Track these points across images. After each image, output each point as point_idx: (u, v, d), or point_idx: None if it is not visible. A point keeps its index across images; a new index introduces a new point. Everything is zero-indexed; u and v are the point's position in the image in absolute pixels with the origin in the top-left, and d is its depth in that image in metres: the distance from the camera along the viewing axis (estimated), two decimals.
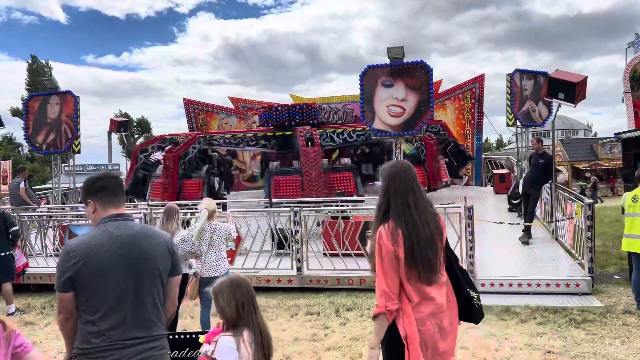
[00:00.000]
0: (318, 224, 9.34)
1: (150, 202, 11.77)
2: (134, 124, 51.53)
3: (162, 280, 2.53)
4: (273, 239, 8.99)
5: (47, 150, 12.86)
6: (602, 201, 24.33)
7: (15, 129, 56.28)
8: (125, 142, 47.58)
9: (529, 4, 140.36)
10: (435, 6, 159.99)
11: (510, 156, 18.90)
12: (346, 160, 14.07)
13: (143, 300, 2.43)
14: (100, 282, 2.36)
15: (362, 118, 10.79)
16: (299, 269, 8.02)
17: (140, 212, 9.14)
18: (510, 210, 12.82)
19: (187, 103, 21.12)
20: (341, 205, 9.89)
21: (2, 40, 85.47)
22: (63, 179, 14.20)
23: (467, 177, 16.58)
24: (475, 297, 2.83)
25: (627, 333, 5.47)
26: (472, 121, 18.49)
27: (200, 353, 2.62)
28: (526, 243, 9.44)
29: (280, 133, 13.82)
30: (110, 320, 2.36)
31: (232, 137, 14.12)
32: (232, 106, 21.41)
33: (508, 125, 14.22)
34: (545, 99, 11.22)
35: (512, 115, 13.54)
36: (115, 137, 26.04)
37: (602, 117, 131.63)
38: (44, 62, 51.70)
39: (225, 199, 13.55)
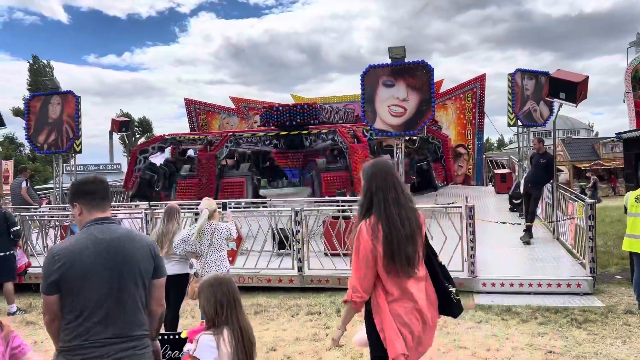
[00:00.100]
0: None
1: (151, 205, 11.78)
2: (136, 123, 51.58)
3: (145, 282, 2.59)
4: (274, 239, 8.99)
5: (49, 150, 12.87)
6: (600, 201, 24.29)
7: (17, 129, 56.22)
8: (127, 141, 47.63)
9: (530, 4, 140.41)
10: (437, 6, 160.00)
11: (511, 156, 18.90)
12: (244, 166, 14.49)
13: (125, 302, 2.50)
14: (84, 285, 2.43)
15: (364, 118, 10.79)
16: (300, 269, 8.02)
17: (142, 212, 9.15)
18: (511, 210, 12.81)
19: (189, 103, 21.14)
20: (342, 205, 9.89)
21: (4, 40, 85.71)
22: (64, 178, 14.23)
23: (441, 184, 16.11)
24: (454, 291, 2.94)
25: (628, 333, 5.47)
26: (473, 121, 18.48)
27: (183, 352, 2.66)
28: (527, 243, 9.44)
29: (295, 132, 13.81)
30: (94, 319, 2.43)
31: (252, 135, 14.13)
32: (233, 106, 21.42)
33: (509, 125, 14.20)
34: (547, 98, 11.21)
35: (514, 115, 13.53)
36: (116, 137, 26.19)
37: (603, 116, 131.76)
38: (45, 62, 51.83)
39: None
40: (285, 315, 6.70)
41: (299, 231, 8.03)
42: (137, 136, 51.97)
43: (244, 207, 10.73)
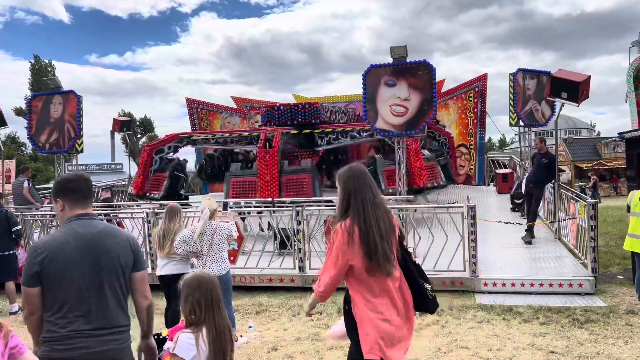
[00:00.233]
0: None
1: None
2: (137, 123, 51.62)
3: (125, 275, 2.69)
4: (275, 239, 8.99)
5: (50, 149, 12.87)
6: (600, 201, 24.26)
7: (19, 129, 56.50)
8: (128, 141, 47.69)
9: (532, 3, 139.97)
10: (438, 5, 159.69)
11: (513, 156, 18.88)
12: (306, 162, 14.16)
13: (106, 294, 2.59)
14: (66, 278, 2.52)
15: (365, 117, 10.78)
16: (301, 269, 8.02)
17: (143, 212, 9.15)
18: (513, 209, 12.79)
19: (190, 103, 21.13)
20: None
21: (6, 39, 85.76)
22: None
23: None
24: (429, 288, 3.08)
25: (630, 333, 5.46)
26: (475, 121, 18.45)
27: (163, 350, 2.70)
28: (529, 243, 9.43)
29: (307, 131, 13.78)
30: (76, 311, 2.52)
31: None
32: (234, 106, 21.42)
33: (511, 124, 14.18)
34: (549, 98, 11.18)
35: (515, 114, 13.50)
36: (118, 136, 26.16)
37: (605, 116, 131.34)
38: (47, 61, 51.91)
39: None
40: (286, 315, 6.70)
41: (300, 231, 8.03)
42: (139, 136, 52.01)
43: (255, 207, 10.53)
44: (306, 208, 8.39)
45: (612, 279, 7.97)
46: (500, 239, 9.79)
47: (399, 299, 2.94)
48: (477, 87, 18.38)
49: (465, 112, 18.60)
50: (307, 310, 3.26)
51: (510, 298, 6.93)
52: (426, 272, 7.29)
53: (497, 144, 74.22)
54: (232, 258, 7.89)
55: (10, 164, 24.07)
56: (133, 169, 18.47)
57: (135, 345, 2.86)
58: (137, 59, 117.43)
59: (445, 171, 14.41)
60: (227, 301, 5.68)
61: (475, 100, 18.30)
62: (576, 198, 8.57)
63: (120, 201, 16.34)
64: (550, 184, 10.25)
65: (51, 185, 21.55)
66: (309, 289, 7.85)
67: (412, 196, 10.20)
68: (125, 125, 18.94)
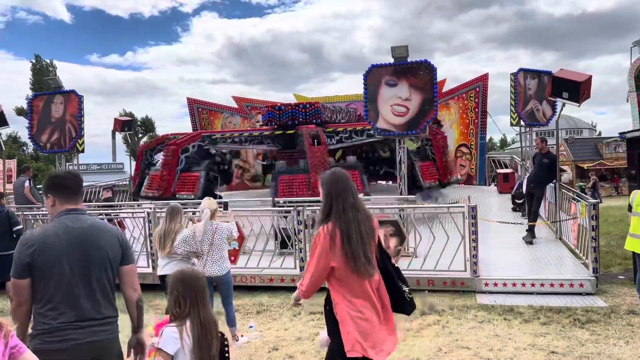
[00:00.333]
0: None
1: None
2: (138, 123, 51.65)
3: (113, 268, 2.79)
4: (276, 238, 8.99)
5: (51, 149, 12.88)
6: (601, 201, 24.24)
7: (20, 128, 56.59)
8: (129, 141, 47.74)
9: (533, 3, 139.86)
10: (439, 5, 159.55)
11: (514, 155, 18.85)
12: (352, 158, 14.07)
13: (94, 287, 2.68)
14: (55, 270, 2.59)
15: (366, 117, 10.78)
16: (302, 268, 8.02)
17: (144, 212, 9.15)
18: (514, 209, 12.79)
19: (191, 102, 21.13)
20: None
21: (7, 39, 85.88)
22: None
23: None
24: (407, 290, 3.22)
25: (631, 333, 5.45)
26: (476, 120, 18.43)
27: (149, 344, 2.74)
28: (530, 243, 9.42)
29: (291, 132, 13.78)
30: (66, 303, 2.59)
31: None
32: (235, 105, 21.43)
33: (512, 124, 14.16)
34: (550, 98, 11.16)
35: (516, 114, 13.48)
36: (119, 136, 26.17)
37: (606, 116, 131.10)
38: (48, 61, 51.95)
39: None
40: (287, 314, 6.70)
41: (301, 231, 8.03)
42: (140, 135, 52.04)
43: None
44: (307, 208, 8.39)
45: (613, 279, 7.96)
46: (501, 239, 9.79)
47: (377, 300, 3.04)
48: (478, 87, 18.36)
49: (466, 112, 18.58)
50: (293, 302, 3.36)
51: (511, 298, 6.93)
52: (427, 272, 7.27)
53: (498, 144, 74.18)
54: (232, 258, 7.90)
55: (12, 164, 24.07)
56: (134, 169, 18.39)
57: (122, 337, 2.90)
58: (138, 59, 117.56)
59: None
60: (228, 301, 5.69)
61: (476, 100, 18.28)
62: (577, 198, 8.56)
63: (121, 201, 16.35)
64: (551, 184, 10.24)
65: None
66: None
67: (412, 196, 10.19)
68: (126, 125, 18.94)
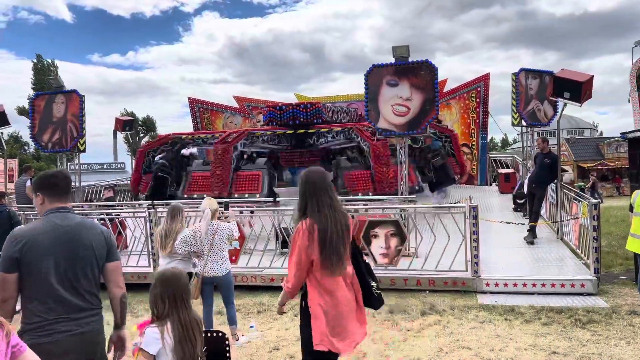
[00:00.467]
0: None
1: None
2: (139, 122, 51.67)
3: (98, 265, 2.90)
4: (277, 238, 8.99)
5: (53, 149, 12.89)
6: (602, 201, 24.21)
7: (21, 128, 56.67)
8: (131, 140, 47.77)
9: (534, 3, 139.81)
10: (440, 5, 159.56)
11: (515, 155, 18.84)
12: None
13: (81, 282, 2.79)
14: (44, 265, 2.69)
15: (367, 117, 10.77)
16: None
17: (145, 211, 9.16)
18: (515, 209, 12.78)
19: (192, 102, 21.15)
20: (344, 205, 9.87)
21: (9, 39, 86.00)
22: None
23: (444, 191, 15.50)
24: (375, 286, 3.34)
25: (632, 334, 5.44)
26: (477, 120, 18.44)
27: (134, 344, 2.78)
28: (531, 243, 9.41)
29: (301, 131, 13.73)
30: (54, 299, 2.70)
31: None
32: (237, 105, 21.43)
33: (513, 124, 14.14)
34: (551, 98, 11.13)
35: (517, 114, 13.46)
36: (120, 136, 26.18)
37: (608, 116, 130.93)
38: (49, 61, 52.00)
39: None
40: (287, 314, 6.69)
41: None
42: (141, 135, 52.06)
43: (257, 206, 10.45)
44: None
45: (615, 279, 7.95)
46: (502, 239, 9.78)
47: (350, 294, 3.17)
48: (479, 87, 18.36)
49: (468, 111, 18.58)
50: (278, 308, 3.40)
51: (512, 298, 6.92)
52: (428, 272, 7.27)
53: (499, 144, 74.10)
54: (233, 257, 7.91)
55: (13, 163, 24.11)
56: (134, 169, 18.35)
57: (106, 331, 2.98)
58: (140, 59, 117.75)
59: (442, 171, 14.36)
60: (228, 300, 5.70)
61: (478, 100, 18.28)
62: (578, 198, 8.55)
63: (123, 200, 16.35)
64: (552, 184, 10.23)
65: None
66: None
67: (413, 196, 10.18)
68: (128, 124, 18.98)
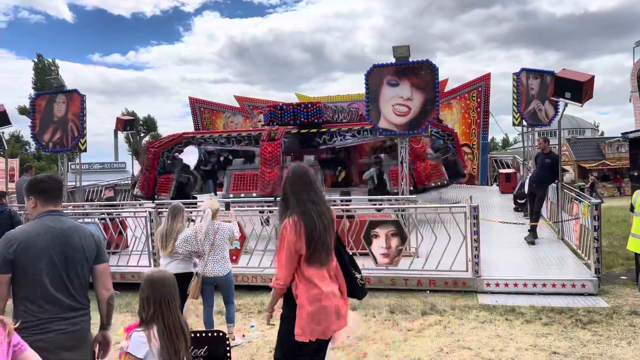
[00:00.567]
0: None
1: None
2: (140, 122, 51.70)
3: (88, 266, 3.00)
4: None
5: (54, 148, 12.90)
6: (602, 201, 24.20)
7: (22, 127, 56.65)
8: (131, 140, 47.76)
9: (535, 3, 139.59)
10: (440, 5, 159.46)
11: (516, 155, 18.83)
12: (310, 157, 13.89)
13: (73, 282, 2.90)
14: (37, 266, 2.78)
15: (368, 117, 10.77)
16: None
17: (146, 211, 9.16)
18: (516, 209, 12.77)
19: (193, 102, 21.15)
20: (346, 205, 9.88)
21: (9, 39, 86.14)
22: (69, 177, 14.25)
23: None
24: (359, 277, 3.40)
25: (633, 334, 5.44)
26: (478, 120, 18.42)
27: (119, 349, 2.80)
28: (532, 243, 9.40)
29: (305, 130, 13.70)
30: (47, 299, 2.78)
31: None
32: (237, 105, 21.43)
33: (514, 124, 14.15)
34: (552, 98, 11.14)
35: (518, 114, 13.47)
36: (121, 135, 26.15)
37: (609, 116, 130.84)
38: (50, 60, 52.06)
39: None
40: None
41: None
42: (142, 135, 52.09)
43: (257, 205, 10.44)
44: None
45: (616, 279, 7.94)
46: (503, 239, 9.77)
47: (335, 286, 3.24)
48: (480, 87, 18.34)
49: (469, 111, 18.57)
50: (267, 314, 3.38)
51: (512, 298, 6.92)
52: (429, 272, 7.26)
53: (500, 144, 74.07)
54: (234, 257, 7.90)
55: (14, 163, 24.15)
56: (136, 168, 18.32)
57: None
58: (140, 58, 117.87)
59: (453, 168, 14.43)
60: (228, 300, 5.70)
61: (479, 100, 18.26)
62: (579, 198, 8.54)
63: (123, 200, 16.37)
64: (553, 184, 10.22)
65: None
66: None
67: (414, 196, 10.18)
68: (129, 124, 18.96)
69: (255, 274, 8.18)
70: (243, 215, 8.79)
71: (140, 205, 11.78)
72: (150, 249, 8.73)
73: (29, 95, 44.84)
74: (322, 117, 14.00)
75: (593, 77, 9.08)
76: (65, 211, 11.08)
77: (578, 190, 9.81)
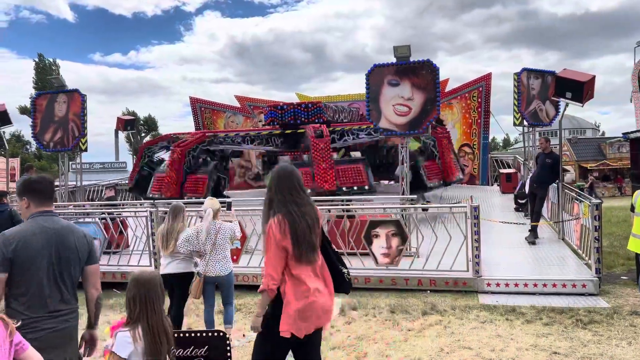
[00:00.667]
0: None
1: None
2: (141, 122, 51.71)
3: (80, 266, 3.07)
4: None
5: (55, 148, 12.92)
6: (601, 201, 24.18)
7: (24, 127, 56.68)
8: (132, 140, 47.83)
9: (536, 3, 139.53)
10: (441, 5, 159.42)
11: (517, 155, 18.82)
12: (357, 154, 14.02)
13: (65, 281, 2.97)
14: (33, 265, 2.85)
15: (368, 117, 10.77)
16: None
17: (146, 211, 9.16)
18: (516, 209, 12.76)
19: (194, 101, 21.15)
20: (346, 204, 9.88)
21: (10, 38, 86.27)
22: (70, 176, 14.27)
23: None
24: (346, 272, 3.48)
25: (634, 334, 5.44)
26: (479, 120, 18.39)
27: (106, 346, 2.82)
28: (533, 243, 9.40)
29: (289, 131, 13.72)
30: (41, 296, 2.85)
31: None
32: (238, 105, 21.43)
33: (515, 124, 14.13)
34: (553, 98, 11.13)
35: (519, 114, 13.46)
36: (122, 135, 26.20)
37: (610, 116, 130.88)
38: (51, 60, 52.09)
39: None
40: None
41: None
42: (143, 135, 52.11)
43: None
44: None
45: (616, 279, 7.93)
46: (503, 239, 9.77)
47: (321, 282, 3.30)
48: (481, 87, 18.32)
49: (469, 111, 18.55)
50: (259, 319, 3.26)
51: (513, 298, 6.91)
52: (429, 272, 7.27)
53: (501, 144, 74.05)
54: (235, 257, 7.90)
55: (15, 162, 24.15)
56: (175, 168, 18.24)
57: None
58: (141, 58, 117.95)
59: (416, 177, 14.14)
60: (228, 301, 5.70)
61: (479, 99, 18.24)
62: (580, 198, 8.53)
63: (124, 200, 16.37)
64: (554, 184, 10.21)
65: (55, 183, 21.69)
66: None
67: (415, 196, 10.18)
68: (129, 124, 19.00)
69: (256, 273, 8.18)
70: (244, 215, 8.79)
71: (140, 205, 11.79)
72: (151, 249, 8.73)
73: (30, 94, 44.90)
74: (323, 117, 14.02)
75: (594, 77, 9.08)
76: (66, 211, 11.10)
77: (578, 190, 9.80)
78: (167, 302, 5.92)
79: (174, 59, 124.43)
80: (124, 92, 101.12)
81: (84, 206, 12.21)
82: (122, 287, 7.72)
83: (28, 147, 50.92)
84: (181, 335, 3.38)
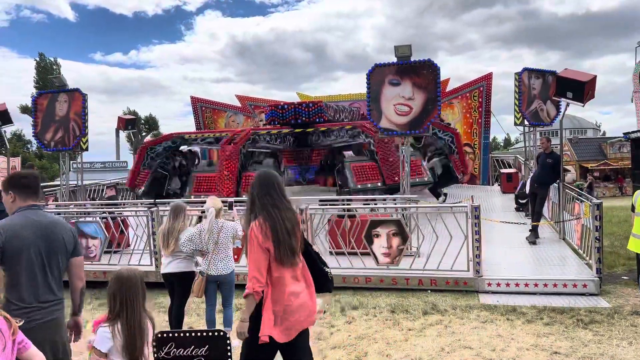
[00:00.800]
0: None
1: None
2: (142, 121, 51.73)
3: (66, 258, 3.20)
4: None
5: (56, 147, 12.92)
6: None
7: (24, 126, 56.60)
8: (133, 139, 47.79)
9: (536, 2, 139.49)
10: (442, 4, 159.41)
11: (517, 155, 18.82)
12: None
13: (53, 272, 3.08)
14: (23, 256, 2.94)
15: (369, 116, 10.76)
16: None
17: (147, 210, 9.16)
18: (517, 209, 12.76)
19: (195, 101, 21.16)
20: (347, 204, 9.88)
21: (12, 38, 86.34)
22: (71, 176, 14.28)
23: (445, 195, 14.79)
24: (329, 271, 3.56)
25: (634, 334, 5.43)
26: (480, 120, 18.39)
27: (88, 341, 2.88)
28: (533, 243, 9.40)
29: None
30: (29, 288, 2.94)
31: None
32: (239, 104, 21.44)
33: (516, 124, 14.13)
34: (554, 98, 11.12)
35: (520, 114, 13.45)
36: (123, 134, 26.24)
37: (610, 116, 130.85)
38: (52, 59, 52.09)
39: None
40: None
41: (304, 230, 8.02)
42: (144, 134, 52.10)
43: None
44: (310, 207, 8.39)
45: (617, 279, 7.93)
46: (504, 239, 9.77)
47: (303, 285, 3.35)
48: (481, 87, 18.31)
49: (470, 111, 18.54)
50: (245, 325, 3.20)
51: (514, 298, 6.91)
52: (430, 272, 7.30)
53: (501, 144, 74.00)
54: (236, 257, 7.90)
55: (16, 162, 24.13)
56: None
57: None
58: (142, 57, 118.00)
59: (447, 171, 14.32)
60: (228, 302, 5.70)
61: (480, 99, 18.23)
62: (581, 198, 8.53)
63: (125, 199, 16.38)
64: (555, 184, 10.21)
65: (56, 182, 21.70)
66: None
67: (415, 195, 10.18)
68: (130, 123, 19.00)
69: None
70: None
71: (141, 204, 11.79)
72: (152, 248, 8.73)
73: (31, 94, 44.91)
74: (324, 117, 14.01)
75: (595, 77, 9.07)
76: (67, 210, 11.07)
77: (577, 190, 9.80)
78: (167, 301, 5.94)
79: (174, 58, 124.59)
80: (124, 92, 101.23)
81: (84, 205, 12.22)
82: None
83: (29, 146, 50.95)
84: (181, 334, 3.38)
